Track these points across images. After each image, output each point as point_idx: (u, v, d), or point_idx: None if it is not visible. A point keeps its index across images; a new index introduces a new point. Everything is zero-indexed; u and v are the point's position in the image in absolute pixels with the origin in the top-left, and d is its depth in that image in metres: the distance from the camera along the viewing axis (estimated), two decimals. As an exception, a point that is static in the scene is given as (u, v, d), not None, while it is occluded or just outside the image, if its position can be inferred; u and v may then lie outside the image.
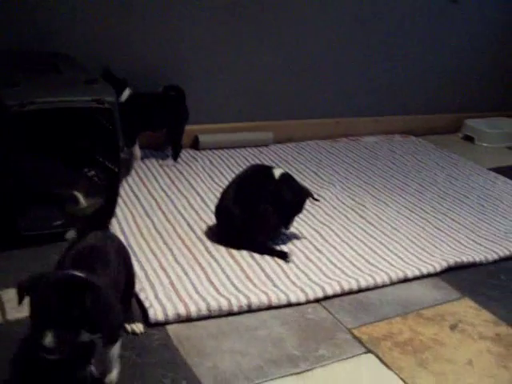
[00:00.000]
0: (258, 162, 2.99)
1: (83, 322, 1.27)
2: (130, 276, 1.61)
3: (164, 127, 2.86)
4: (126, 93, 2.63)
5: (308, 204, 2.34)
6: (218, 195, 2.41)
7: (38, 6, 2.55)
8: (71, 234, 1.62)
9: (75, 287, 1.25)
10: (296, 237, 2.30)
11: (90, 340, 1.35)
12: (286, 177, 2.25)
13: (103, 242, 1.51)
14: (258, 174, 2.26)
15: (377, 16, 3.43)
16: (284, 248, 2.20)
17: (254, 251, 2.15)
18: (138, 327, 1.67)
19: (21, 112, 1.87)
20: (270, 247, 2.18)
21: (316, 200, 2.30)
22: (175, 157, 2.86)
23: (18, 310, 1.69)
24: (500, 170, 3.31)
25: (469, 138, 3.86)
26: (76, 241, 1.53)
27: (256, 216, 2.14)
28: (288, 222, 2.26)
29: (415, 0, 3.51)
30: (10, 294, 1.77)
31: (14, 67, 2.18)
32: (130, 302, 1.67)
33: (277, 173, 2.24)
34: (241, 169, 2.80)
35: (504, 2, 3.84)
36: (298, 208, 2.27)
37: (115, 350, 1.44)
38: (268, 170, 2.27)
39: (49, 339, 1.21)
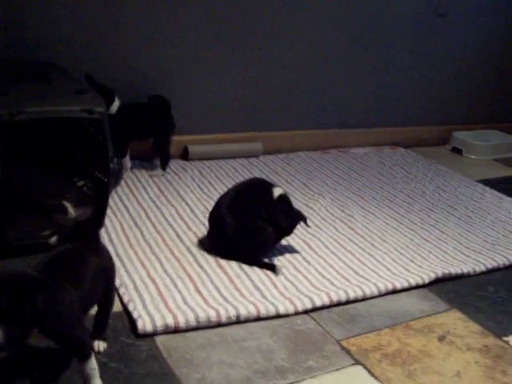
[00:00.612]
0: (248, 172, 3.00)
1: (34, 321, 1.25)
2: (107, 295, 1.58)
3: (151, 137, 2.86)
4: (116, 104, 2.63)
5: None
6: (208, 205, 2.42)
7: (28, 15, 2.56)
8: (54, 240, 1.62)
9: (27, 285, 1.24)
10: (285, 248, 2.30)
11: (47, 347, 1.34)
12: (283, 198, 2.24)
13: (80, 254, 1.50)
14: (258, 189, 2.26)
15: (366, 29, 3.46)
16: (273, 259, 2.21)
17: (243, 262, 2.15)
18: (99, 346, 1.61)
19: (10, 121, 1.87)
20: (260, 259, 2.18)
21: (308, 226, 2.31)
22: (164, 166, 2.86)
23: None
24: (487, 182, 3.34)
25: (457, 150, 3.88)
26: (56, 247, 1.53)
27: (249, 229, 2.15)
28: (276, 241, 2.26)
29: (404, 13, 3.54)
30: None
31: (4, 76, 2.18)
32: (105, 321, 1.64)
33: (276, 192, 2.23)
34: (230, 179, 2.82)
35: (491, 17, 3.88)
36: (288, 231, 2.27)
37: (90, 367, 1.42)
38: (268, 187, 2.26)
39: None
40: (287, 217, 2.23)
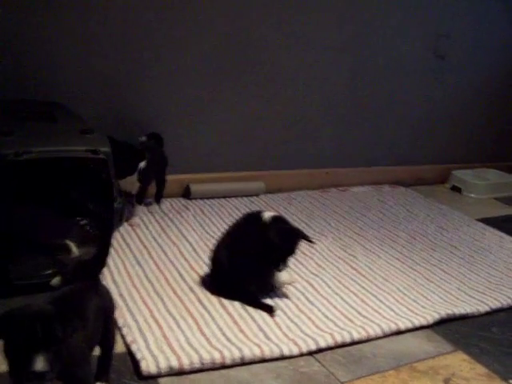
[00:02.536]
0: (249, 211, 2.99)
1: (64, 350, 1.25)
2: (107, 335, 1.57)
3: (156, 176, 2.88)
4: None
5: (299, 256, 2.34)
6: (210, 244, 2.41)
7: (32, 57, 2.59)
8: (56, 281, 1.61)
9: (56, 314, 1.25)
10: (288, 287, 2.28)
11: None
12: (276, 219, 2.20)
13: (83, 295, 1.49)
14: (248, 221, 2.25)
15: (365, 70, 3.50)
16: (276, 299, 2.19)
17: (241, 301, 2.13)
18: None
19: (16, 161, 1.88)
20: (257, 299, 2.16)
21: (312, 242, 2.23)
22: (159, 201, 2.91)
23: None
24: (488, 221, 3.34)
25: (456, 189, 3.90)
26: (58, 288, 1.52)
27: (242, 265, 2.13)
28: (278, 263, 2.16)
29: (403, 54, 3.60)
30: (0, 345, 1.74)
31: (10, 116, 2.20)
32: (108, 362, 1.62)
33: (266, 216, 2.19)
34: (232, 218, 2.81)
35: (490, 58, 3.94)
36: (288, 250, 2.17)
37: None
38: (257, 214, 2.23)
39: (40, 363, 1.18)
40: (281, 233, 2.14)
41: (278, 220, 2.21)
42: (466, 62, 3.86)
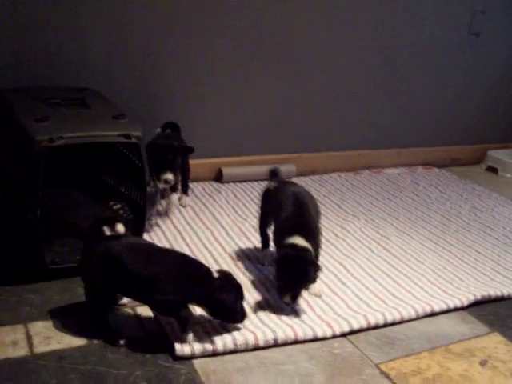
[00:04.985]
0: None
1: None
2: None
3: None
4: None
5: (332, 237, 2.32)
6: (242, 227, 2.42)
7: (66, 44, 2.62)
8: None
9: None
10: (320, 269, 2.28)
11: None
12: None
13: None
14: None
15: (398, 48, 3.45)
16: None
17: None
18: None
19: (50, 147, 1.90)
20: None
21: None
22: (186, 191, 2.82)
23: (46, 344, 1.71)
24: (524, 202, 3.28)
25: (492, 169, 3.84)
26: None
27: None
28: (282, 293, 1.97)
29: (436, 32, 3.53)
30: (37, 327, 1.78)
31: (43, 102, 2.23)
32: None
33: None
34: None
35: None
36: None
37: None
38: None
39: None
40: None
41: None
42: (500, 39, 3.77)
